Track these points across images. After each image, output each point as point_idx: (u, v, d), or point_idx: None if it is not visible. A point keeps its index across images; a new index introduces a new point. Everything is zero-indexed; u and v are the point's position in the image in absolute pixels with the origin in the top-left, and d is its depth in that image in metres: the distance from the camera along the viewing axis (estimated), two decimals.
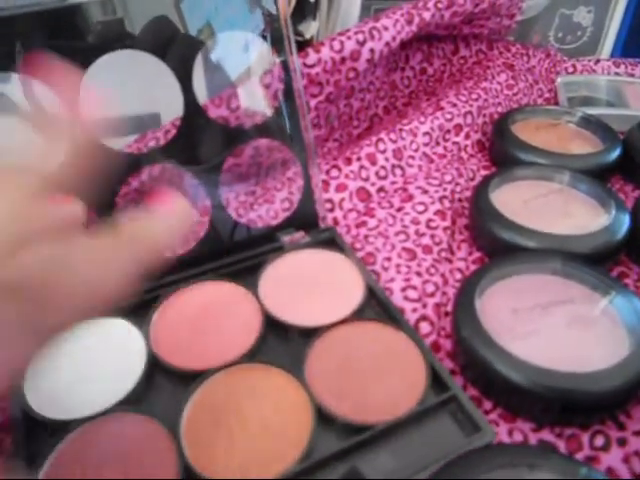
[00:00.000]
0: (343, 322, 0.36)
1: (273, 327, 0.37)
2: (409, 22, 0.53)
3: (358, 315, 0.37)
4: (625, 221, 0.45)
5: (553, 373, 0.32)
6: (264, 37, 0.40)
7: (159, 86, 0.38)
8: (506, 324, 0.36)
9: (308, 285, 0.39)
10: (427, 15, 0.54)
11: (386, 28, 0.52)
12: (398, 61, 0.65)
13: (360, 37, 0.50)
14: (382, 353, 0.35)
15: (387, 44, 0.52)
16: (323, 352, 0.35)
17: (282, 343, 0.36)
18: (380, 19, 0.52)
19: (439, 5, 0.54)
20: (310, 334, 0.35)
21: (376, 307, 0.39)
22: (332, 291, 0.39)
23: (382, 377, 0.33)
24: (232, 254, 0.41)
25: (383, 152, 0.53)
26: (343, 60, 0.50)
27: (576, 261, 0.40)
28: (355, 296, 0.38)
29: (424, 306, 0.40)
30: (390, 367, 0.34)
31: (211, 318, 0.37)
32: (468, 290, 0.38)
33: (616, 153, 0.55)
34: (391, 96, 0.64)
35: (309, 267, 0.41)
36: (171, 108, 0.39)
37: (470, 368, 0.36)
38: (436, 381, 0.33)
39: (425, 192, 0.50)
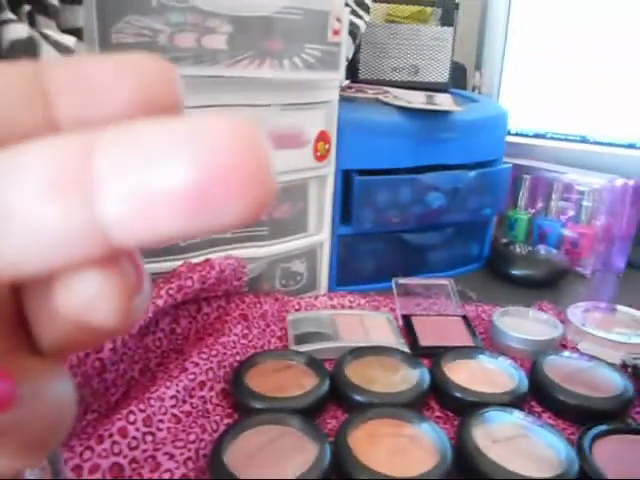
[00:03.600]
0: None
1: None
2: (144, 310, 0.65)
3: None
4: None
5: None
6: None
7: None
8: None
9: None
10: (160, 302, 0.66)
11: None
12: (150, 326, 0.75)
13: None
14: None
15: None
16: None
17: None
18: None
19: (170, 291, 0.67)
20: None
21: None
22: None
23: None
24: None
25: (133, 423, 0.60)
26: (87, 355, 0.58)
27: None
28: None
29: None
30: None
31: None
32: None
33: (326, 387, 0.69)
34: (145, 358, 0.73)
35: None
36: None
37: None
38: None
39: (172, 457, 0.57)
